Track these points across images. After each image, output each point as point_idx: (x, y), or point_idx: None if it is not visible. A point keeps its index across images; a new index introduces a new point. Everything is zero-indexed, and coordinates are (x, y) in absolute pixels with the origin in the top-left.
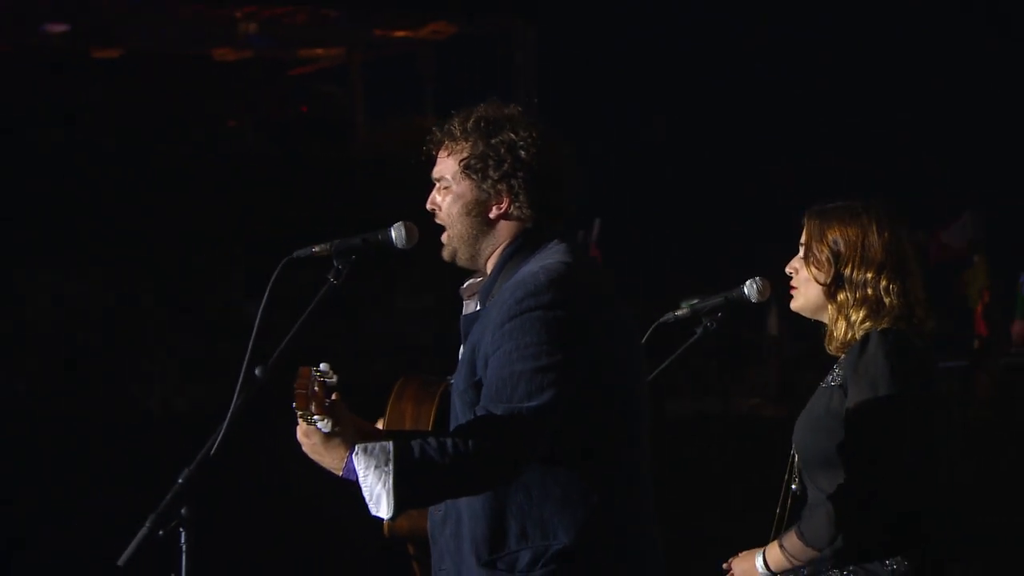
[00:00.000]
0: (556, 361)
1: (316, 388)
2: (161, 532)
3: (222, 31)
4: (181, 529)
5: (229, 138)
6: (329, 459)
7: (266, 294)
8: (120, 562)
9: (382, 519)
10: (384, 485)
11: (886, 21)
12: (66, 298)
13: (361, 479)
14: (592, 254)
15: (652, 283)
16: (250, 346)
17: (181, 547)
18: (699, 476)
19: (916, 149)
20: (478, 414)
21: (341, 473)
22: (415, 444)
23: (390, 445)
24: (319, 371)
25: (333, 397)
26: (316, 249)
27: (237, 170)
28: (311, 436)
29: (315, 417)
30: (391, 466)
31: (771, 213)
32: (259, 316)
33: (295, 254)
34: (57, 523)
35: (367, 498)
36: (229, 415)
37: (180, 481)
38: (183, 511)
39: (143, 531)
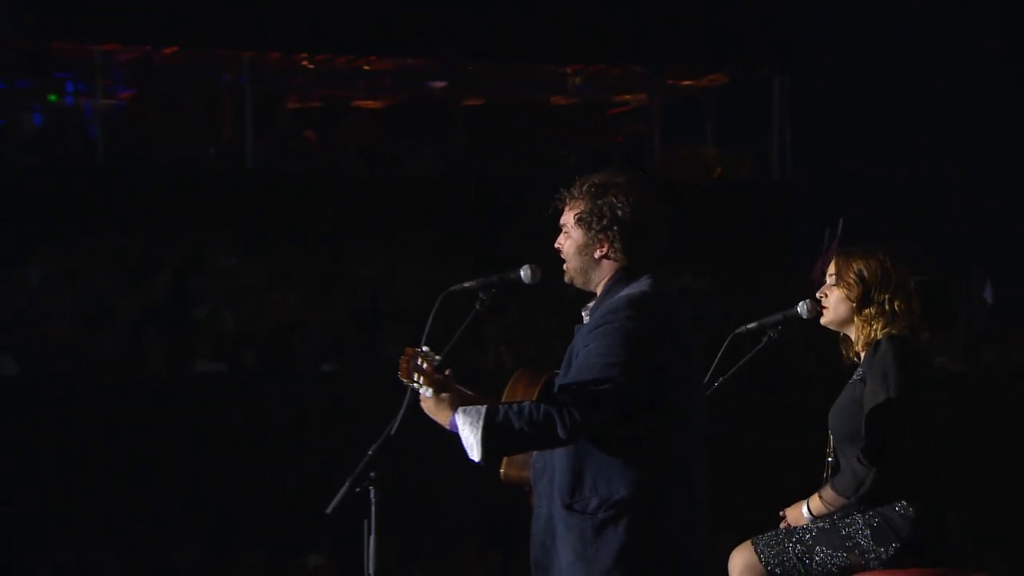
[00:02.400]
0: (622, 360)
1: (425, 365)
2: (358, 489)
3: (557, 83)
4: (371, 487)
5: (557, 164)
6: (440, 416)
7: (430, 318)
8: (328, 511)
9: (475, 462)
10: (475, 437)
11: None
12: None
13: (460, 431)
14: (832, 247)
15: None
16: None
17: (371, 500)
18: None
19: (935, 154)
20: (558, 391)
21: (448, 426)
22: (502, 408)
23: (483, 408)
24: (422, 351)
25: (446, 373)
26: (467, 285)
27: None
28: (426, 401)
29: (416, 384)
30: (480, 423)
31: None
32: (425, 334)
33: (451, 289)
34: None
35: (464, 445)
36: (404, 405)
37: (370, 453)
38: (372, 475)
39: (344, 489)
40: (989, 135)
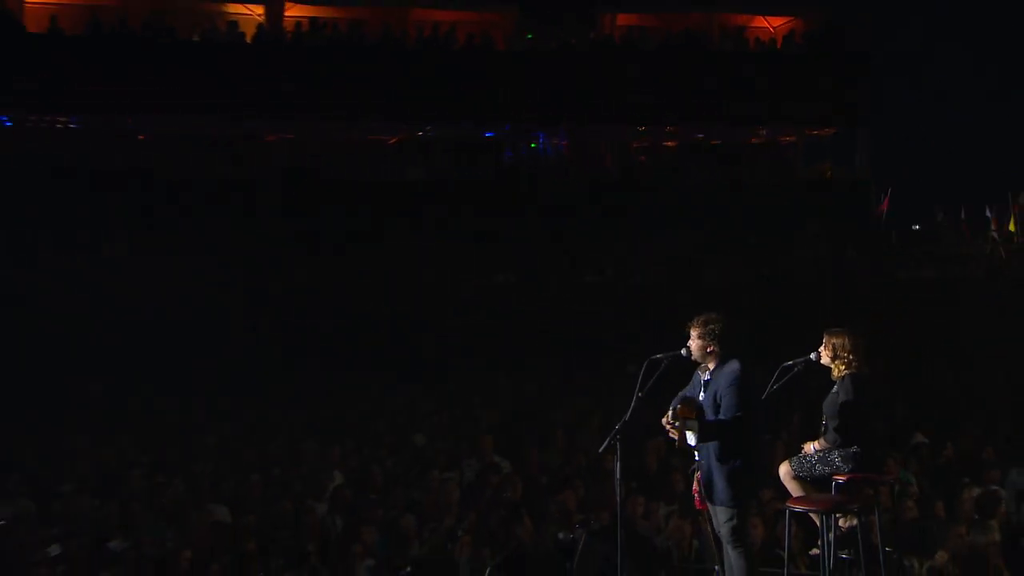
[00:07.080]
0: (742, 400)
1: (688, 420)
2: (611, 442)
3: (754, 133)
4: (618, 443)
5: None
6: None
7: (639, 380)
8: (600, 451)
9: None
10: (694, 436)
11: None
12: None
13: (687, 433)
14: (884, 202)
15: None
16: (637, 386)
17: (617, 450)
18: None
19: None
20: (724, 416)
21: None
22: (709, 421)
23: (698, 423)
24: (675, 409)
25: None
26: (658, 356)
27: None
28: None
29: (686, 430)
30: (698, 428)
31: None
32: (636, 389)
33: (651, 358)
34: None
35: (687, 438)
36: (631, 407)
37: (617, 428)
38: (618, 437)
39: (607, 441)
40: None
